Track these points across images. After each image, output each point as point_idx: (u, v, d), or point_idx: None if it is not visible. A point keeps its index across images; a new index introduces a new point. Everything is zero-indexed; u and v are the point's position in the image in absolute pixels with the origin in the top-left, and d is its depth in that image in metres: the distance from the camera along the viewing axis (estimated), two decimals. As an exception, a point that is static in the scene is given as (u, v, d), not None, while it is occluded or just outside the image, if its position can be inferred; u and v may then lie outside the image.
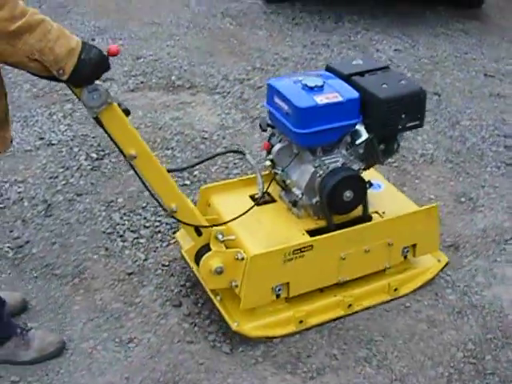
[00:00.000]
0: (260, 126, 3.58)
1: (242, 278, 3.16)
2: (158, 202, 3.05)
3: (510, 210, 4.32)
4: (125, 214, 4.16)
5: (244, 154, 3.46)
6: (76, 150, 4.82)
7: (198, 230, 3.17)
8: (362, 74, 3.46)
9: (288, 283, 3.26)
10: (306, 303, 3.40)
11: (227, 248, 3.21)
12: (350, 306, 3.46)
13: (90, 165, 4.65)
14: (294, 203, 3.46)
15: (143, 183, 2.99)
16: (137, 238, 3.96)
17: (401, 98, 3.33)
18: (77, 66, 2.45)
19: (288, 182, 3.45)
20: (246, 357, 3.22)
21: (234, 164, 4.67)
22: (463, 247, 3.99)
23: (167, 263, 3.76)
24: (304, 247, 3.22)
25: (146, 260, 3.79)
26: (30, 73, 2.53)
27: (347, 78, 3.42)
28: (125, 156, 2.87)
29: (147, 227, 4.04)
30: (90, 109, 2.68)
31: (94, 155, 4.75)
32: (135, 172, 2.95)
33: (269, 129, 3.55)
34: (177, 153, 4.76)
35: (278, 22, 7.37)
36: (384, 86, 3.35)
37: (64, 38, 2.41)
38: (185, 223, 3.12)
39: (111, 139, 2.83)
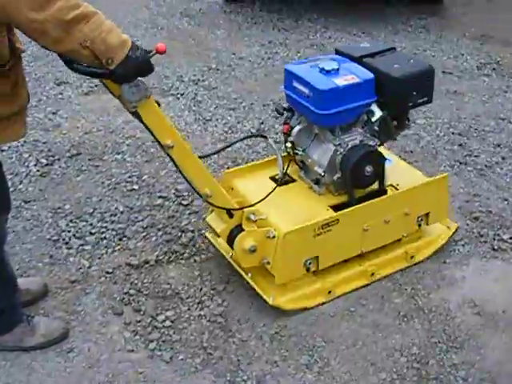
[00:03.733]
0: (276, 110, 3.78)
1: (275, 255, 3.31)
2: (194, 189, 3.16)
3: (460, 211, 4.27)
4: (71, 220, 4.10)
5: (266, 138, 3.65)
6: (26, 155, 4.76)
7: (229, 213, 3.30)
8: (372, 55, 3.63)
9: (317, 257, 3.44)
10: (332, 274, 3.58)
11: (258, 227, 3.33)
12: (372, 274, 3.65)
13: (39, 171, 4.59)
14: (317, 181, 3.63)
15: (180, 172, 3.10)
16: (82, 244, 3.91)
17: (413, 76, 3.53)
18: (125, 59, 2.58)
19: (309, 161, 3.61)
20: (186, 365, 3.17)
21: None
22: (412, 249, 3.94)
23: (111, 270, 3.71)
24: (331, 221, 3.39)
25: (89, 267, 3.74)
26: (78, 71, 2.66)
27: (359, 60, 3.59)
28: (162, 146, 2.98)
29: (93, 234, 3.99)
30: (130, 103, 2.79)
31: (44, 161, 4.69)
32: (172, 161, 3.04)
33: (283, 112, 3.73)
34: (127, 157, 4.70)
35: (237, 21, 7.33)
36: (396, 65, 3.53)
37: (116, 31, 2.54)
38: (219, 207, 3.24)
39: (148, 130, 2.93)
